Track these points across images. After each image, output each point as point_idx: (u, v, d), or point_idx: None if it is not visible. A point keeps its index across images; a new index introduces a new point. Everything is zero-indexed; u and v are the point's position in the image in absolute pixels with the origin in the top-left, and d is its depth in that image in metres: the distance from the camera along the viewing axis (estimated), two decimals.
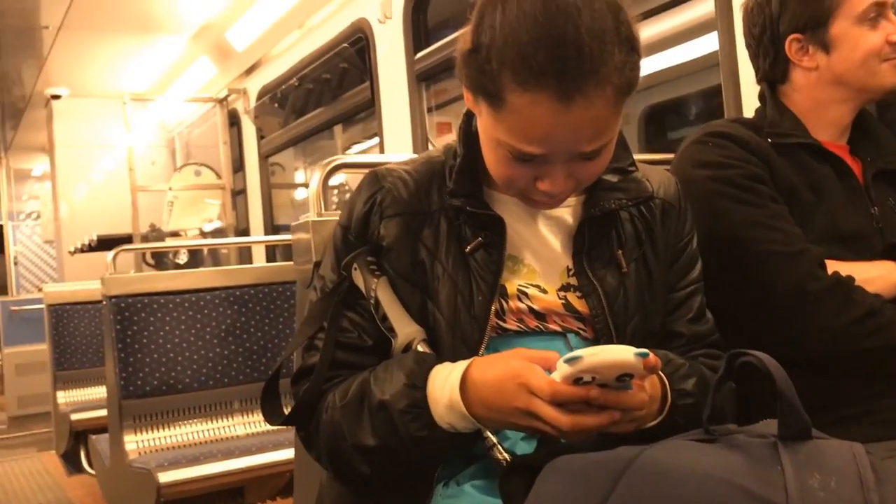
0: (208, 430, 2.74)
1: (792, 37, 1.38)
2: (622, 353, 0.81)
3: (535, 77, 0.88)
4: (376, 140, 4.99)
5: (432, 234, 1.06)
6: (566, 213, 1.10)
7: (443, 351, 1.03)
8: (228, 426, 2.78)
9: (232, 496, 2.58)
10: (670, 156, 1.51)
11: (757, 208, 1.26)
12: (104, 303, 2.66)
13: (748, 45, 1.47)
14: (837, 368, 1.24)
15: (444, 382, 0.94)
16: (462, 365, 0.95)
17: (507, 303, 1.05)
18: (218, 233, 5.49)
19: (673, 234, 1.14)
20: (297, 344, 1.09)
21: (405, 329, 1.02)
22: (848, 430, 1.18)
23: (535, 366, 0.88)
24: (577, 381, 0.82)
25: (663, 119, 3.69)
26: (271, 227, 4.88)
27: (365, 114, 3.93)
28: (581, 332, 1.06)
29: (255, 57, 4.51)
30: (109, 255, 2.79)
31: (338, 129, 5.10)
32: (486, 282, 1.03)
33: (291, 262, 3.07)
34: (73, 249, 5.41)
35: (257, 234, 4.95)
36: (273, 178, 5.05)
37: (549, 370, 0.90)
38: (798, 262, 1.22)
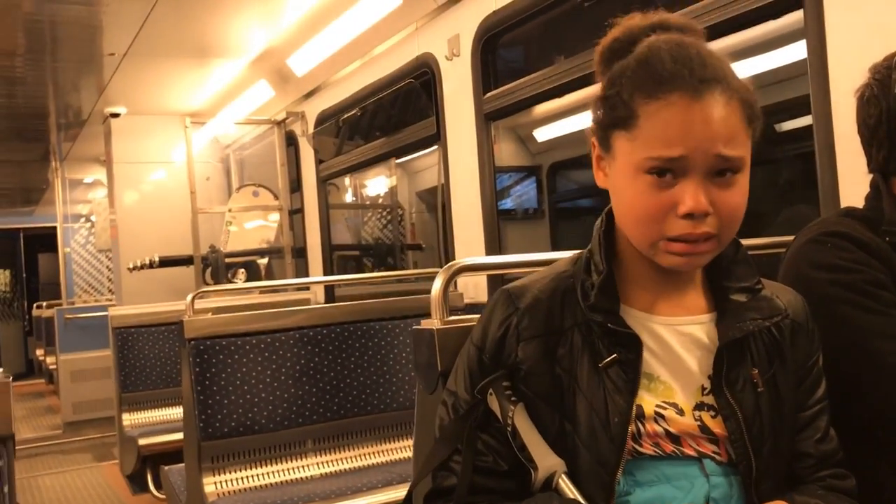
0: (283, 471, 2.78)
1: None
2: None
3: (664, 83, 0.97)
4: (429, 150, 4.99)
5: (567, 353, 1.07)
6: (699, 330, 1.10)
7: (582, 474, 1.03)
8: (303, 466, 2.82)
9: None
10: (782, 238, 1.50)
11: (881, 316, 1.24)
12: (184, 346, 2.71)
13: (861, 134, 1.44)
14: None
15: None
16: None
17: (643, 426, 1.05)
18: (273, 251, 5.56)
19: (802, 355, 1.14)
20: (432, 465, 1.10)
21: (545, 461, 1.03)
22: None
23: None
24: None
25: None
26: (329, 247, 4.93)
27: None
28: (715, 455, 1.06)
29: (314, 82, 4.55)
30: (188, 297, 2.85)
31: None
32: (623, 401, 1.04)
33: (360, 301, 3.11)
34: (132, 267, 5.51)
35: (315, 254, 5.01)
36: (329, 197, 5.10)
37: None
38: None
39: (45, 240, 12.20)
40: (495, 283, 3.11)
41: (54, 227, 9.52)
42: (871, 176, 1.45)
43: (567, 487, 1.02)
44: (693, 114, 0.96)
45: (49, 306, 9.41)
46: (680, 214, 0.98)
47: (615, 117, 1.02)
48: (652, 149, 0.98)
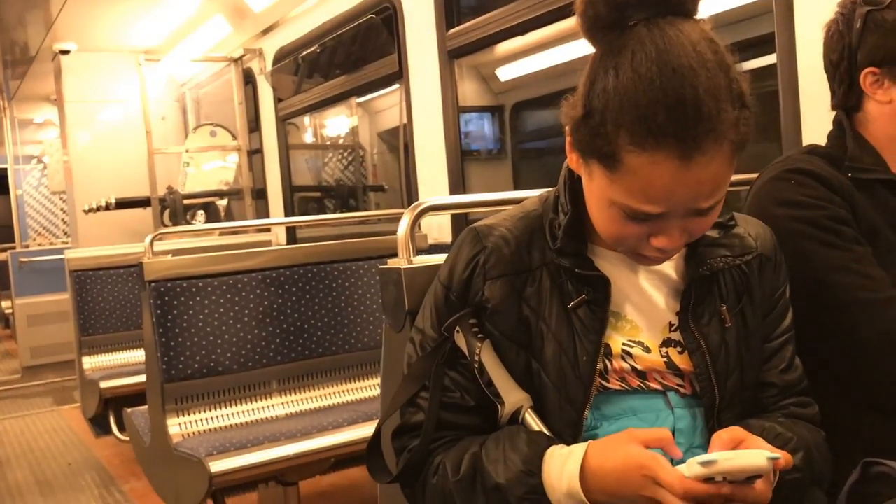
0: (248, 412, 2.78)
1: (868, 69, 1.36)
2: (756, 459, 0.84)
3: (654, 137, 0.88)
4: (391, 88, 4.94)
5: (535, 293, 1.07)
6: (668, 267, 1.11)
7: (549, 412, 1.04)
8: (267, 406, 2.82)
9: (273, 476, 2.64)
10: (745, 176, 1.50)
11: (842, 252, 1.26)
12: (144, 289, 2.67)
13: (826, 70, 1.45)
14: None
15: (562, 471, 0.95)
16: (578, 451, 0.96)
17: (610, 363, 1.06)
18: (232, 192, 5.48)
19: (769, 287, 1.15)
20: (399, 401, 1.11)
21: (512, 396, 1.03)
22: None
23: (660, 457, 0.90)
24: (707, 479, 0.85)
25: None
26: (289, 188, 4.87)
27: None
28: (680, 388, 1.08)
29: (272, 18, 4.42)
30: (147, 239, 2.79)
31: None
32: (590, 340, 1.04)
33: (323, 242, 3.09)
34: (87, 209, 5.39)
35: (275, 195, 4.94)
36: (288, 137, 5.01)
37: (662, 449, 0.93)
38: (887, 310, 1.22)
39: None
40: (459, 223, 3.10)
41: (5, 169, 9.25)
42: (834, 113, 1.46)
43: (533, 421, 1.03)
44: (680, 178, 0.90)
45: (2, 250, 9.20)
46: (654, 247, 0.98)
47: (596, 148, 0.94)
48: (632, 200, 0.94)
